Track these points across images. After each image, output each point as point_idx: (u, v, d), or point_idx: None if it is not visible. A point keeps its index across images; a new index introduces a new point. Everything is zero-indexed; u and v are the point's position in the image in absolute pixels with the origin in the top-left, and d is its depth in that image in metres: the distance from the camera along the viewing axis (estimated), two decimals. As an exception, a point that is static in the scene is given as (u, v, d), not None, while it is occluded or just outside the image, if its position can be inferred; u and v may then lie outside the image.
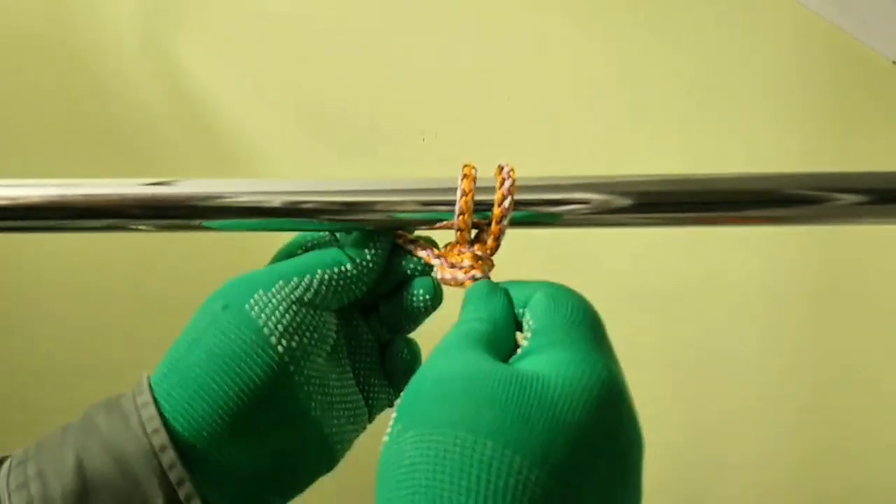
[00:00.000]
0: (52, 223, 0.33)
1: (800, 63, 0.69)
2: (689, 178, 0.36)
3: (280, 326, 0.31)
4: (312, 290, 0.32)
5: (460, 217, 0.34)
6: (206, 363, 0.30)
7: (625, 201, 0.35)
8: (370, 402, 0.36)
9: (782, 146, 0.70)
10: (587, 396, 0.25)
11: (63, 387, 0.83)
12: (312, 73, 0.75)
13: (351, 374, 0.35)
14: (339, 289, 0.33)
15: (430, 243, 0.36)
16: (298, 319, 0.31)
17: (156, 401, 0.30)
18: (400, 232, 0.36)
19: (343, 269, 0.33)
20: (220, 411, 0.30)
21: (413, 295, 0.35)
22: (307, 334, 0.31)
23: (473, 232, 0.35)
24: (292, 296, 0.32)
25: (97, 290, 0.81)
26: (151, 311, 0.81)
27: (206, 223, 0.34)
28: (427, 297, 0.35)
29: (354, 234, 0.35)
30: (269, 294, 0.31)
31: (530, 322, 0.29)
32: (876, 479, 0.77)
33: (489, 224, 0.34)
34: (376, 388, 0.36)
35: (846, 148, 0.69)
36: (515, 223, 0.34)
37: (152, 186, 0.33)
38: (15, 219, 0.33)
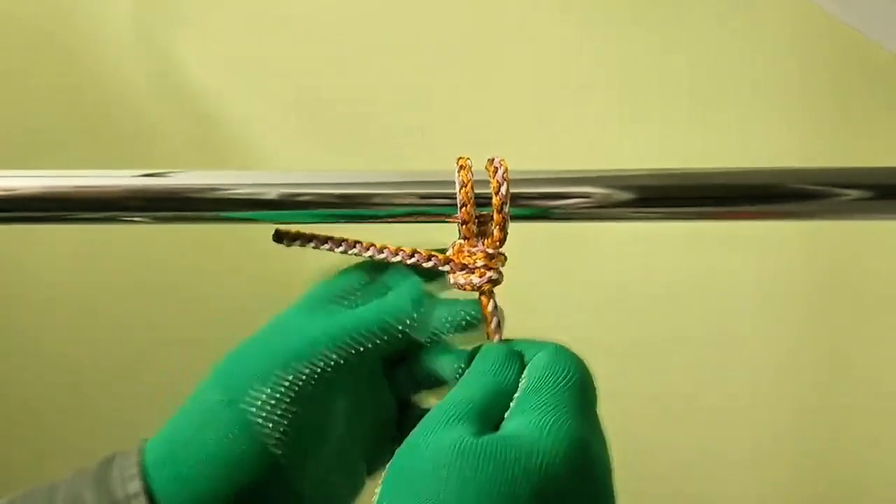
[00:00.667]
0: (43, 214, 0.32)
1: (800, 56, 0.68)
2: (690, 172, 0.36)
3: (279, 430, 0.29)
4: (314, 380, 0.30)
5: (463, 209, 0.33)
6: (204, 465, 0.29)
7: (626, 195, 0.35)
8: (372, 462, 0.34)
9: (782, 140, 0.70)
10: (567, 464, 0.25)
11: (63, 387, 0.83)
12: (309, 67, 0.75)
13: (356, 446, 0.33)
14: (356, 368, 0.31)
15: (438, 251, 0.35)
16: (300, 421, 0.30)
17: (148, 491, 0.29)
18: (399, 248, 0.34)
19: (362, 348, 0.31)
20: None
21: (442, 366, 0.33)
22: (310, 436, 0.30)
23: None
24: (291, 392, 0.30)
25: (97, 289, 0.81)
26: (152, 310, 0.81)
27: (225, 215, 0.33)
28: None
29: (385, 297, 0.33)
30: (269, 391, 0.30)
31: (523, 381, 0.29)
32: (876, 479, 0.77)
33: (491, 216, 0.34)
34: (385, 448, 0.34)
35: (847, 142, 0.69)
36: (517, 218, 0.34)
37: (147, 178, 0.33)
38: (11, 210, 0.33)
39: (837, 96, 0.69)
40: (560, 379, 0.28)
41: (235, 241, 0.77)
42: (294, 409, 0.30)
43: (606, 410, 0.82)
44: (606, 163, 0.37)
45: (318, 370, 0.30)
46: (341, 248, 0.34)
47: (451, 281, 0.34)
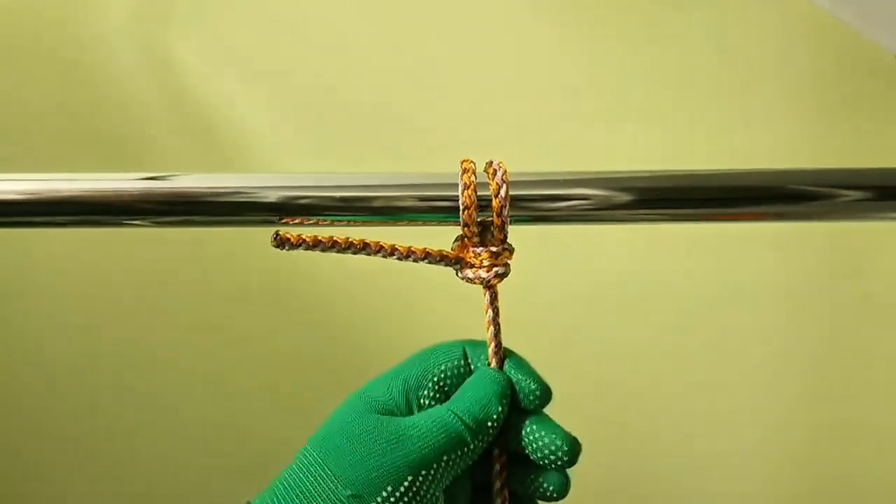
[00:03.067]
0: (40, 219, 0.32)
1: (801, 57, 0.68)
2: (690, 173, 0.36)
3: None
4: (436, 482, 0.32)
5: (465, 212, 0.33)
6: None
7: (626, 197, 0.35)
8: None
9: (783, 141, 0.70)
10: None
11: (64, 389, 0.83)
12: (309, 69, 0.75)
13: None
14: (458, 469, 0.33)
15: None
16: None
17: None
18: (410, 249, 0.35)
19: (465, 450, 0.33)
20: None
21: (541, 485, 0.35)
22: None
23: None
24: (419, 494, 0.32)
25: (97, 290, 0.81)
26: (152, 311, 0.81)
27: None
28: (555, 493, 0.35)
29: (469, 393, 0.34)
30: (399, 493, 0.31)
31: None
32: (877, 479, 0.77)
33: (491, 221, 0.34)
34: None
35: (848, 143, 0.69)
36: (518, 221, 0.34)
37: (146, 181, 0.33)
38: (11, 215, 0.33)
39: (837, 97, 0.69)
40: None
41: (237, 244, 0.77)
42: None
43: (605, 411, 0.82)
44: (606, 164, 0.37)
45: (441, 471, 0.32)
46: (350, 251, 0.34)
47: (460, 276, 0.35)
